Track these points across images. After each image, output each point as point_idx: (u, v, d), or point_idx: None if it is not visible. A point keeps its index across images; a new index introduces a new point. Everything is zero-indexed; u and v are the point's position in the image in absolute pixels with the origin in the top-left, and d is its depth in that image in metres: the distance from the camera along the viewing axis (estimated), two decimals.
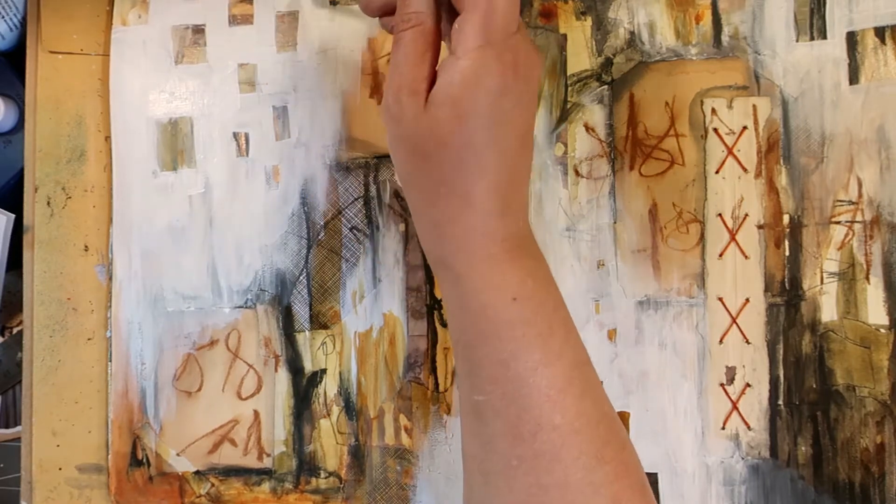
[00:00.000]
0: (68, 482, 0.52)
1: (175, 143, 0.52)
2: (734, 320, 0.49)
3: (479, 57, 0.36)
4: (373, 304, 0.51)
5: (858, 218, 0.48)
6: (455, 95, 0.36)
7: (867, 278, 0.48)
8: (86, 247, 0.53)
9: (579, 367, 0.38)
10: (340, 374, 0.51)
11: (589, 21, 0.51)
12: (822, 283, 0.48)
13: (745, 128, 0.49)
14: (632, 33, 0.50)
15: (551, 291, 0.40)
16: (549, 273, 0.41)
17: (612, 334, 0.49)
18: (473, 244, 0.38)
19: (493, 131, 0.37)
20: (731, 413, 0.48)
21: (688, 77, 0.50)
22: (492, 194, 0.38)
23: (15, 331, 0.60)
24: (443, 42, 0.39)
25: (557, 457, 0.37)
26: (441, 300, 0.50)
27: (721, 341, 0.49)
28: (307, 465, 0.50)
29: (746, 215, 0.49)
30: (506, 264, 0.38)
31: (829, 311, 0.48)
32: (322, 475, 0.50)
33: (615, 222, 0.50)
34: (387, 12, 0.42)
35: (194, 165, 0.52)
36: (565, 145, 0.50)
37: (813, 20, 0.49)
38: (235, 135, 0.52)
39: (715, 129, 0.49)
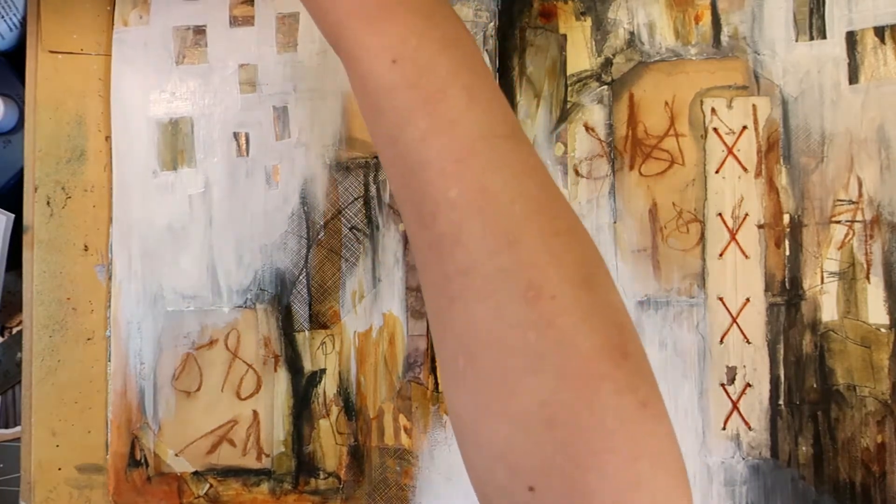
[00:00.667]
0: (68, 482, 0.52)
1: (175, 143, 0.52)
2: (734, 320, 0.49)
3: None
4: (372, 303, 0.51)
5: (859, 217, 0.48)
6: None
7: (867, 278, 0.48)
8: (85, 247, 0.53)
9: (490, 139, 0.33)
10: (340, 374, 0.51)
11: (589, 21, 0.51)
12: (822, 282, 0.48)
13: (744, 127, 0.49)
14: (631, 33, 0.50)
15: (448, 53, 0.34)
16: (456, 32, 0.35)
17: None
18: (350, 4, 0.34)
19: None
20: (731, 413, 0.48)
21: (687, 77, 0.50)
22: None
23: (14, 331, 0.60)
24: None
25: (458, 239, 0.31)
26: None
27: (721, 341, 0.49)
28: (306, 466, 0.50)
29: (746, 215, 0.49)
30: (384, 23, 0.34)
31: (829, 311, 0.48)
32: (321, 475, 0.50)
33: (615, 222, 0.50)
34: None
35: (194, 165, 0.52)
36: (565, 145, 0.50)
37: (812, 20, 0.49)
38: (235, 135, 0.52)
39: (715, 129, 0.49)
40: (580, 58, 0.51)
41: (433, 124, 0.33)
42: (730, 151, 0.49)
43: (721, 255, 0.49)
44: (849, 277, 0.48)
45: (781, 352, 0.48)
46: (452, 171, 0.32)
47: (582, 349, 0.30)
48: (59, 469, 0.52)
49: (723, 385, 0.48)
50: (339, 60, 0.52)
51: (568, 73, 0.51)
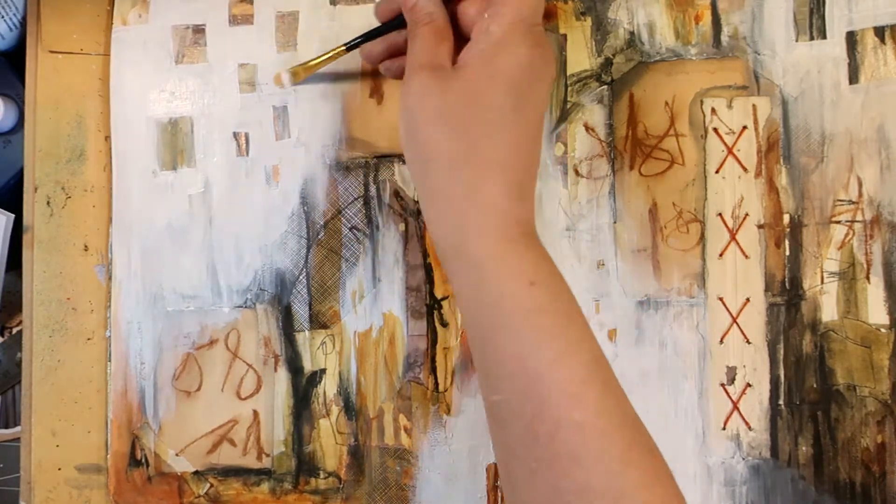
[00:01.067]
0: (68, 482, 0.52)
1: (175, 143, 0.52)
2: (734, 320, 0.49)
3: (512, 30, 0.39)
4: (372, 303, 0.51)
5: (859, 217, 0.48)
6: (488, 57, 0.38)
7: (867, 278, 0.48)
8: (85, 247, 0.53)
9: (599, 362, 0.36)
10: (340, 373, 0.51)
11: (589, 21, 0.51)
12: (822, 282, 0.48)
13: (744, 127, 0.49)
14: (631, 33, 0.50)
15: (565, 281, 0.38)
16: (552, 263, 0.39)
17: (612, 334, 0.49)
18: (492, 223, 0.37)
19: (519, 100, 0.38)
20: (731, 413, 0.48)
21: (687, 77, 0.50)
22: (513, 169, 0.38)
23: (15, 331, 0.60)
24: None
25: (577, 458, 0.34)
26: (440, 300, 0.50)
27: (721, 341, 0.49)
28: (306, 466, 0.50)
29: (746, 215, 0.49)
30: (522, 247, 0.37)
31: (829, 311, 0.48)
32: (321, 475, 0.50)
33: (615, 222, 0.50)
34: (390, 55, 0.46)
35: (194, 165, 0.52)
36: (565, 145, 0.50)
37: (812, 20, 0.49)
38: (235, 134, 0.52)
39: (715, 129, 0.49)
40: (580, 58, 0.51)
41: (564, 347, 0.35)
42: (730, 151, 0.49)
43: (721, 255, 0.49)
44: (849, 277, 0.48)
45: (781, 352, 0.48)
46: (576, 394, 0.34)
47: None
48: (59, 469, 0.52)
49: (723, 385, 0.48)
50: (339, 60, 0.52)
51: (568, 73, 0.51)
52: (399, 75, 0.47)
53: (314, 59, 0.49)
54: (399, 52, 0.46)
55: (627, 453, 0.34)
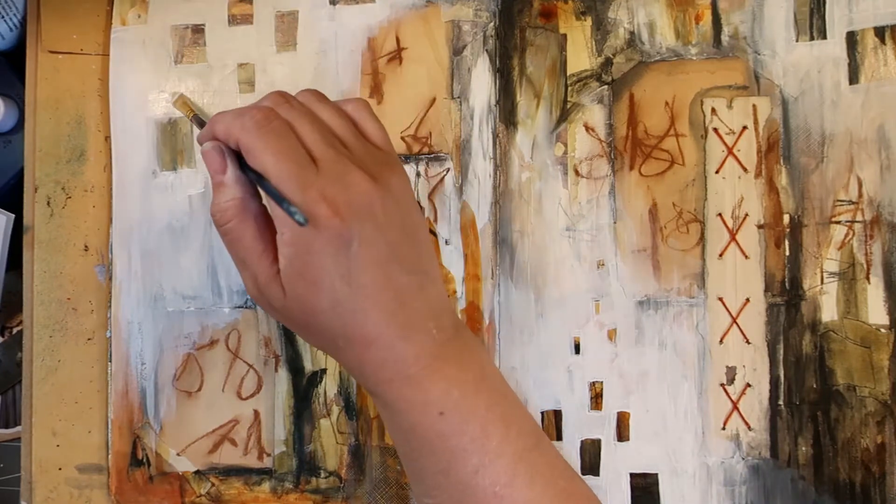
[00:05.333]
0: (68, 482, 0.52)
1: (175, 143, 0.52)
2: (734, 320, 0.49)
3: (295, 237, 0.36)
4: None
5: (858, 218, 0.48)
6: (298, 269, 0.37)
7: (867, 278, 0.48)
8: (86, 247, 0.53)
9: (524, 455, 0.38)
10: (340, 373, 0.51)
11: (589, 21, 0.51)
12: (822, 282, 0.48)
13: (745, 128, 0.49)
14: (632, 33, 0.50)
15: (482, 391, 0.39)
16: (481, 365, 0.40)
17: (612, 334, 0.49)
18: (388, 374, 0.38)
19: (353, 276, 0.36)
20: (731, 413, 0.48)
21: (688, 77, 0.50)
22: (385, 327, 0.37)
23: (15, 331, 0.60)
24: None
25: None
26: None
27: (721, 341, 0.49)
28: (307, 465, 0.50)
29: (746, 215, 0.49)
30: (426, 382, 0.38)
31: (829, 311, 0.48)
32: (322, 475, 0.50)
33: (615, 222, 0.50)
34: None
35: (194, 165, 0.52)
36: (565, 145, 0.50)
37: (813, 20, 0.49)
38: None
39: (715, 129, 0.49)
40: (580, 58, 0.51)
41: (483, 459, 0.37)
42: (730, 151, 0.49)
43: (721, 255, 0.49)
44: (849, 277, 0.48)
45: (781, 352, 0.48)
46: (503, 494, 0.37)
47: None
48: (60, 469, 0.52)
49: (723, 385, 0.49)
50: (339, 60, 0.52)
51: (568, 73, 0.51)
52: None
53: (191, 109, 0.51)
54: None
55: None
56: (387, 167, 0.39)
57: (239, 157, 0.38)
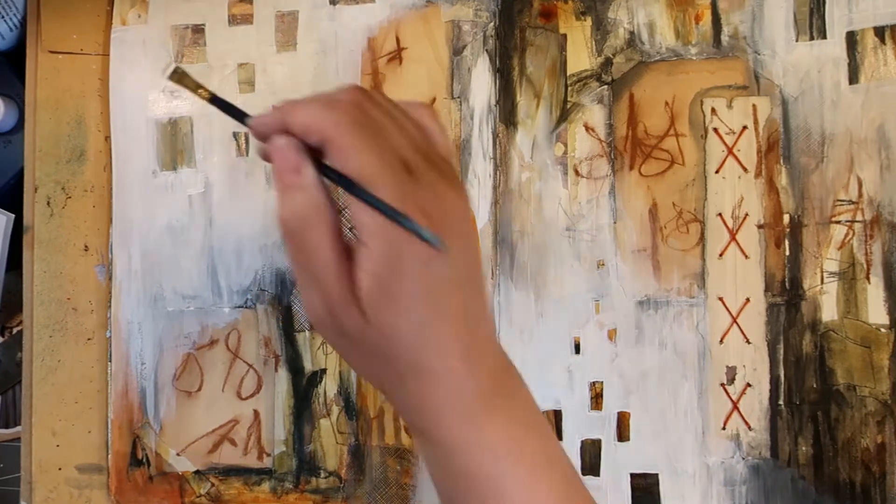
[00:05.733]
0: (68, 482, 0.52)
1: (175, 143, 0.52)
2: (734, 320, 0.49)
3: (384, 233, 0.32)
4: None
5: (858, 217, 0.48)
6: (385, 290, 0.32)
7: (867, 278, 0.48)
8: (86, 247, 0.53)
9: (568, 497, 0.37)
10: (340, 373, 0.51)
11: (589, 21, 0.51)
12: (822, 282, 0.48)
13: (745, 127, 0.49)
14: (631, 33, 0.50)
15: (531, 429, 0.37)
16: (525, 397, 0.38)
17: (612, 334, 0.49)
18: (451, 412, 0.35)
19: (438, 299, 0.33)
20: (731, 413, 0.48)
21: (688, 77, 0.50)
22: (456, 359, 0.34)
23: (15, 331, 0.60)
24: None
25: None
26: None
27: (721, 341, 0.49)
28: (307, 465, 0.50)
29: (746, 215, 0.49)
30: (484, 421, 0.35)
31: (829, 311, 0.48)
32: (322, 475, 0.50)
33: (615, 222, 0.50)
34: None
35: (194, 165, 0.52)
36: (565, 145, 0.50)
37: (812, 20, 0.49)
38: (235, 135, 0.52)
39: (715, 129, 0.49)
40: (580, 58, 0.51)
41: (530, 501, 0.36)
42: (730, 151, 0.49)
43: (721, 255, 0.49)
44: (849, 277, 0.48)
45: (781, 352, 0.48)
46: None
47: None
48: (60, 469, 0.52)
49: (723, 385, 0.49)
50: (339, 60, 0.52)
51: (568, 73, 0.51)
52: None
53: (190, 80, 0.40)
54: None
55: None
56: (456, 180, 0.35)
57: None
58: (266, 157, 0.35)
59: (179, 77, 0.42)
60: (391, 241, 0.31)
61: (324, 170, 0.33)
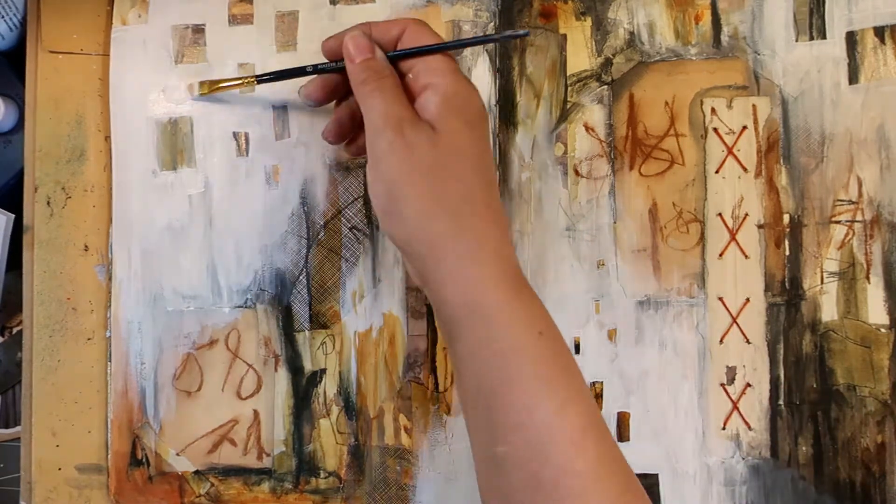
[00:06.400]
0: (68, 482, 0.52)
1: (175, 143, 0.52)
2: (734, 320, 0.49)
3: (456, 80, 0.40)
4: (372, 303, 0.51)
5: (858, 217, 0.48)
6: (459, 107, 0.39)
7: (867, 278, 0.48)
8: (86, 247, 0.53)
9: (594, 410, 0.37)
10: (340, 373, 0.51)
11: (589, 21, 0.51)
12: (822, 282, 0.48)
13: (744, 127, 0.49)
14: (631, 33, 0.50)
15: (559, 329, 0.39)
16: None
17: (612, 334, 0.49)
18: (503, 272, 0.37)
19: (487, 144, 0.39)
20: (731, 413, 0.48)
21: (687, 77, 0.50)
22: (501, 209, 0.38)
23: (15, 331, 0.60)
24: None
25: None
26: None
27: (721, 341, 0.49)
28: (307, 465, 0.50)
29: (746, 215, 0.49)
30: (528, 296, 0.38)
31: (829, 311, 0.48)
32: (322, 475, 0.50)
33: (615, 222, 0.50)
34: (331, 98, 0.46)
35: (194, 165, 0.52)
36: (565, 145, 0.50)
37: (812, 20, 0.49)
38: (235, 134, 0.52)
39: (715, 129, 0.49)
40: (580, 58, 0.51)
41: (569, 396, 0.36)
42: (730, 151, 0.49)
43: (721, 255, 0.49)
44: (849, 277, 0.48)
45: (781, 352, 0.48)
46: (579, 441, 0.36)
47: None
48: (59, 469, 0.52)
49: (723, 385, 0.48)
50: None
51: (568, 73, 0.51)
52: (356, 147, 0.47)
53: (223, 82, 0.50)
54: (336, 95, 0.46)
55: (623, 496, 0.36)
56: None
57: None
58: (332, 54, 0.44)
59: (210, 87, 0.48)
60: (457, 78, 0.40)
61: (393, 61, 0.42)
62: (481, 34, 0.51)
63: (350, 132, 0.46)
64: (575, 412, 0.36)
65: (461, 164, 0.38)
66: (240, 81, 0.49)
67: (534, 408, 0.36)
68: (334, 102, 0.47)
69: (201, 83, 0.50)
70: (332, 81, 0.45)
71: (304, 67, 0.45)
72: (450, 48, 0.42)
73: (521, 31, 0.42)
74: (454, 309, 0.38)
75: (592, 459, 0.36)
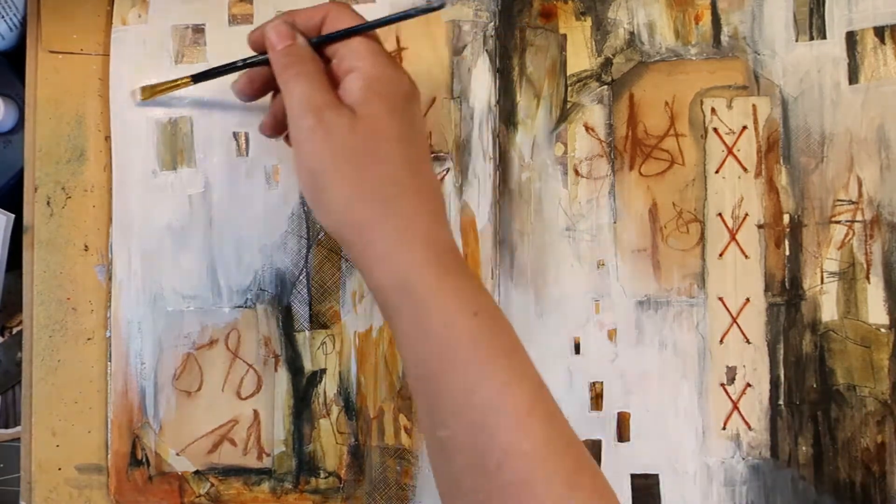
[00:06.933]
0: (68, 482, 0.52)
1: (175, 143, 0.52)
2: (734, 320, 0.49)
3: (379, 62, 0.40)
4: (372, 303, 0.51)
5: (858, 217, 0.48)
6: (381, 89, 0.38)
7: (867, 278, 0.48)
8: (86, 247, 0.53)
9: (541, 389, 0.36)
10: (340, 373, 0.51)
11: (589, 21, 0.51)
12: (822, 282, 0.48)
13: (744, 127, 0.49)
14: (631, 33, 0.50)
15: (500, 309, 0.38)
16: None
17: (612, 334, 0.49)
18: (433, 254, 0.37)
19: (415, 125, 0.39)
20: (731, 413, 0.48)
21: (687, 77, 0.50)
22: (434, 190, 0.38)
23: (15, 331, 0.60)
24: None
25: (526, 486, 0.34)
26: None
27: (721, 341, 0.49)
28: (307, 465, 0.50)
29: (746, 215, 0.49)
30: (461, 277, 0.37)
31: (829, 311, 0.48)
32: (321, 475, 0.50)
33: (615, 222, 0.50)
34: (265, 91, 0.45)
35: (194, 165, 0.52)
36: (565, 145, 0.50)
37: (812, 20, 0.49)
38: (235, 134, 0.52)
39: (715, 129, 0.49)
40: (580, 58, 0.51)
41: (508, 377, 0.35)
42: (730, 151, 0.49)
43: (721, 255, 0.49)
44: (849, 277, 0.48)
45: (781, 352, 0.48)
46: (524, 422, 0.35)
47: None
48: (59, 469, 0.52)
49: (723, 385, 0.49)
50: None
51: (568, 73, 0.51)
52: (274, 128, 0.46)
53: (161, 84, 0.50)
54: (269, 89, 0.45)
55: (573, 477, 0.34)
56: None
57: None
58: (257, 45, 0.43)
59: (151, 92, 0.48)
60: (379, 60, 0.39)
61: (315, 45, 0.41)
62: (481, 35, 0.51)
63: (287, 126, 0.44)
64: (518, 392, 0.35)
65: (384, 147, 0.38)
66: (176, 83, 0.49)
67: (473, 390, 0.35)
68: (270, 96, 0.46)
69: (143, 88, 0.50)
70: (262, 75, 0.44)
71: (236, 62, 0.45)
72: (368, 29, 0.41)
73: (436, 4, 0.41)
74: (387, 294, 0.37)
75: (539, 439, 0.35)
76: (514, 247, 0.50)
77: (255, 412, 0.51)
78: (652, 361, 0.49)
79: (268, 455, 0.51)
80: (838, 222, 0.48)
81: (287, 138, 0.45)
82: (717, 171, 0.49)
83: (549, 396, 0.36)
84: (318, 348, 0.51)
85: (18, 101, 0.54)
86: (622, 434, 0.49)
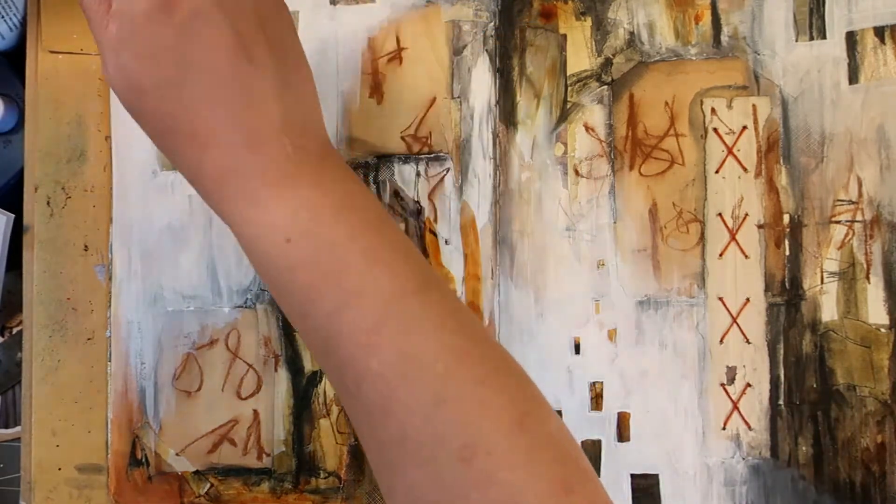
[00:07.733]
0: (68, 482, 0.52)
1: None
2: (734, 320, 0.49)
3: None
4: None
5: (858, 217, 0.48)
6: (125, 37, 0.33)
7: (867, 278, 0.48)
8: (86, 247, 0.53)
9: (398, 298, 0.32)
10: None
11: (588, 21, 0.51)
12: (822, 282, 0.48)
13: (744, 127, 0.49)
14: (631, 33, 0.50)
15: (343, 219, 0.33)
16: (350, 192, 0.35)
17: (612, 334, 0.49)
18: (230, 188, 0.34)
19: (186, 56, 0.33)
20: (731, 413, 0.48)
21: (687, 77, 0.50)
22: (225, 127, 0.33)
23: (15, 331, 0.60)
24: None
25: (386, 409, 0.31)
26: None
27: (721, 341, 0.49)
28: (307, 465, 0.50)
29: (746, 215, 0.49)
30: (271, 202, 0.33)
31: (829, 311, 0.48)
32: (321, 475, 0.50)
33: (615, 222, 0.50)
34: None
35: None
36: (565, 145, 0.50)
37: (812, 20, 0.49)
38: None
39: (715, 129, 0.49)
40: (580, 58, 0.51)
41: (340, 298, 0.32)
42: (730, 151, 0.49)
43: (721, 255, 0.49)
44: (849, 277, 0.48)
45: (781, 352, 0.48)
46: (368, 342, 0.31)
47: (526, 502, 0.30)
48: (59, 469, 0.52)
49: (723, 385, 0.48)
50: (339, 60, 0.52)
51: (568, 73, 0.51)
52: None
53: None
54: None
55: (441, 391, 0.31)
56: None
57: None
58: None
59: None
60: None
61: None
62: (481, 35, 0.51)
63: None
64: (352, 317, 0.32)
65: (139, 102, 0.34)
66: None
67: (306, 316, 0.33)
68: None
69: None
70: None
71: None
72: None
73: None
74: (220, 218, 0.36)
75: (392, 359, 0.31)
76: (513, 246, 0.50)
77: (255, 412, 0.51)
78: (652, 361, 0.49)
79: (268, 455, 0.51)
80: (838, 222, 0.48)
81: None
82: (717, 171, 0.49)
83: (403, 309, 0.32)
84: None
85: (18, 101, 0.54)
86: (622, 434, 0.49)
